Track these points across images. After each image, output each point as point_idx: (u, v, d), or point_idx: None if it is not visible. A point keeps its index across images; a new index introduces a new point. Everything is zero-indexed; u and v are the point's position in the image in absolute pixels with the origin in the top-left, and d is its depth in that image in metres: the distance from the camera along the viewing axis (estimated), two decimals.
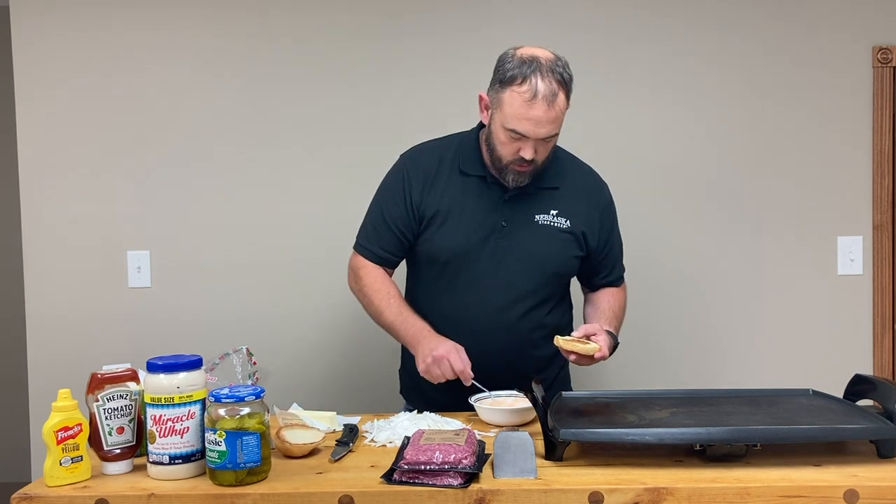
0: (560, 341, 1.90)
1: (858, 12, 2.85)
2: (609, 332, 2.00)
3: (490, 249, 2.03)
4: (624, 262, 2.24)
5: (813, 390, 1.85)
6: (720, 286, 2.90)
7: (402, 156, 2.16)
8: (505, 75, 1.92)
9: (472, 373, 1.93)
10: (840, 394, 1.78)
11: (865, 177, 2.87)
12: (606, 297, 2.17)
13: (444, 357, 1.91)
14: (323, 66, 2.87)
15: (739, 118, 2.88)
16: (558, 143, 2.13)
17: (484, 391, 1.94)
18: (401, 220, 2.08)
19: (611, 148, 2.84)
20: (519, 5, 2.86)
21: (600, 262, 2.16)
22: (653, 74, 2.88)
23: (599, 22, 2.87)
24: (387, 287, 2.09)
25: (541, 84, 1.87)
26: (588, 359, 1.92)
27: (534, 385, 1.62)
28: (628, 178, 2.83)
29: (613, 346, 2.00)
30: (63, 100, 2.87)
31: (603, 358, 1.94)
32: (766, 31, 2.86)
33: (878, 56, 2.84)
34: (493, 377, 1.95)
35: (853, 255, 2.88)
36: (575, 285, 2.25)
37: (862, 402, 1.72)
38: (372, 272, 2.11)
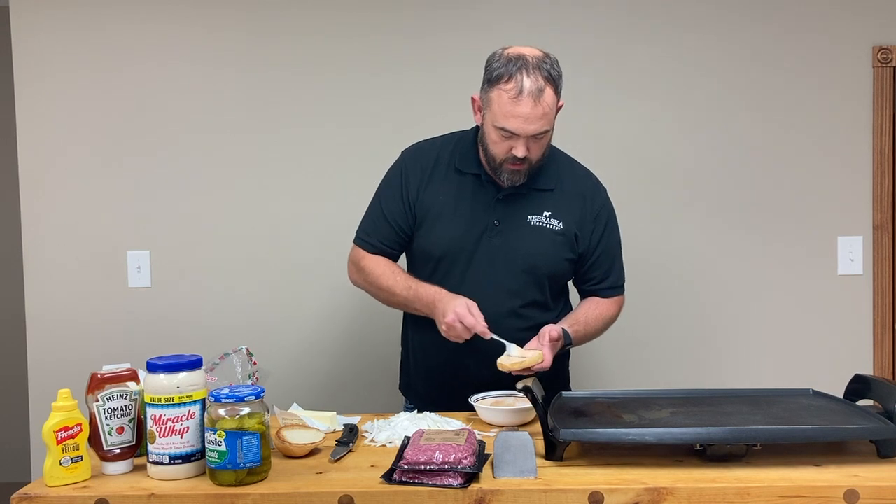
0: (505, 365, 1.88)
1: (858, 12, 2.85)
2: (564, 330, 2.00)
3: (482, 248, 2.04)
4: (625, 270, 2.21)
5: (813, 390, 1.85)
6: (720, 286, 2.90)
7: (402, 152, 2.19)
8: (492, 75, 1.93)
9: (485, 327, 1.90)
10: (840, 394, 1.78)
11: (865, 177, 2.87)
12: (587, 304, 2.15)
13: (454, 323, 1.91)
14: (323, 66, 2.87)
15: (739, 118, 2.88)
16: (560, 147, 2.14)
17: (504, 343, 1.92)
18: (399, 215, 2.10)
19: (610, 148, 2.85)
20: (521, 5, 2.86)
21: (590, 268, 2.14)
22: (652, 75, 2.87)
23: (600, 22, 2.87)
24: (390, 267, 2.10)
25: (527, 81, 1.88)
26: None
27: (534, 385, 1.62)
28: (628, 178, 2.83)
29: (565, 345, 2.00)
30: (63, 99, 2.87)
31: (544, 368, 1.92)
32: (766, 32, 2.86)
33: (878, 56, 2.84)
34: (487, 375, 1.95)
35: (853, 255, 2.88)
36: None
37: (862, 402, 1.72)
38: (373, 259, 2.12)
